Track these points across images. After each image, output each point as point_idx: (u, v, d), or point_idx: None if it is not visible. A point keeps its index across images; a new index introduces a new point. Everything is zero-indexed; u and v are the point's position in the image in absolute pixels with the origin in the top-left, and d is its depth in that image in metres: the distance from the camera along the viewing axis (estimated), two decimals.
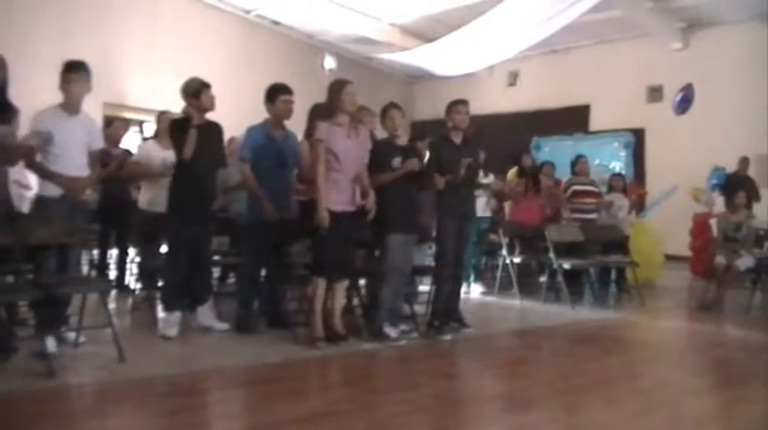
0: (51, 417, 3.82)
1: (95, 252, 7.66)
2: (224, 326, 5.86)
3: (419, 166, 5.80)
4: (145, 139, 8.03)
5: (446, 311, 6.23)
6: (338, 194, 5.43)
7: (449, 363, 5.56)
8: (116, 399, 4.16)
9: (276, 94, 5.91)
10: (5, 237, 4.62)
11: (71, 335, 5.17)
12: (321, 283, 5.45)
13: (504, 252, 8.45)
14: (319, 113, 5.68)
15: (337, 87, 5.51)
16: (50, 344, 4.63)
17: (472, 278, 8.82)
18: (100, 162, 5.92)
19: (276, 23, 13.37)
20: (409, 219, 5.83)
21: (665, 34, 13.32)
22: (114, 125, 8.17)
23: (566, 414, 4.17)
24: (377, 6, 12.70)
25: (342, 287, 5.68)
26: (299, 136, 6.14)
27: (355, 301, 6.42)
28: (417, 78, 15.77)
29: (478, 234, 8.76)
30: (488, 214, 9.06)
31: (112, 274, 7.82)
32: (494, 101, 14.71)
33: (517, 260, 8.53)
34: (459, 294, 6.43)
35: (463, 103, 6.23)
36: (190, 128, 5.49)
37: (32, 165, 5.09)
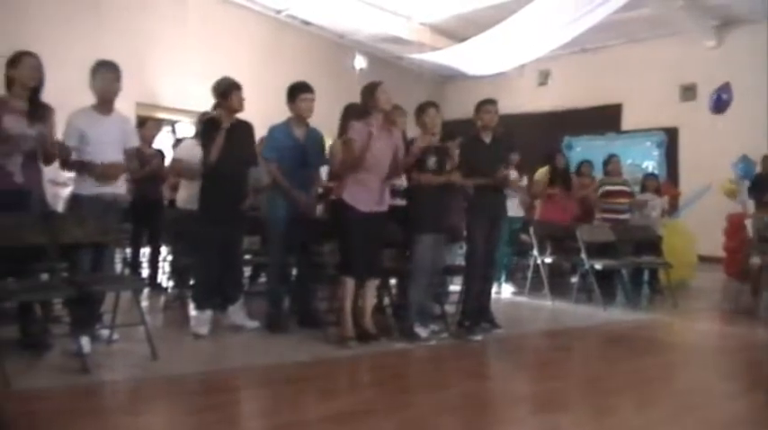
0: (85, 413, 3.87)
1: (128, 250, 7.73)
2: (254, 324, 5.90)
3: (449, 166, 5.78)
4: (179, 140, 8.09)
5: (477, 311, 6.22)
6: (366, 194, 5.44)
7: (479, 364, 5.54)
8: (148, 396, 4.21)
9: (296, 92, 5.93)
10: (40, 235, 4.68)
11: (105, 333, 5.24)
12: (349, 283, 5.47)
13: (536, 252, 8.40)
14: (354, 114, 5.71)
15: (371, 87, 5.55)
16: (85, 342, 4.69)
17: (503, 278, 8.78)
18: (138, 161, 6.01)
19: (307, 23, 13.41)
20: (439, 220, 5.82)
21: (698, 32, 13.17)
22: (147, 125, 8.25)
23: (597, 416, 4.13)
24: (407, 6, 12.69)
25: (372, 286, 5.68)
26: (327, 135, 6.16)
27: (386, 301, 6.41)
28: (448, 78, 15.73)
29: (510, 234, 8.72)
30: (520, 214, 9.01)
31: (145, 273, 7.90)
32: (524, 100, 14.63)
33: (548, 260, 8.47)
34: (489, 294, 6.41)
35: (492, 102, 6.21)
36: (218, 130, 5.53)
37: (67, 164, 5.15)
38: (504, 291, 8.63)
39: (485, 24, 11.81)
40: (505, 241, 8.55)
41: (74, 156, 5.09)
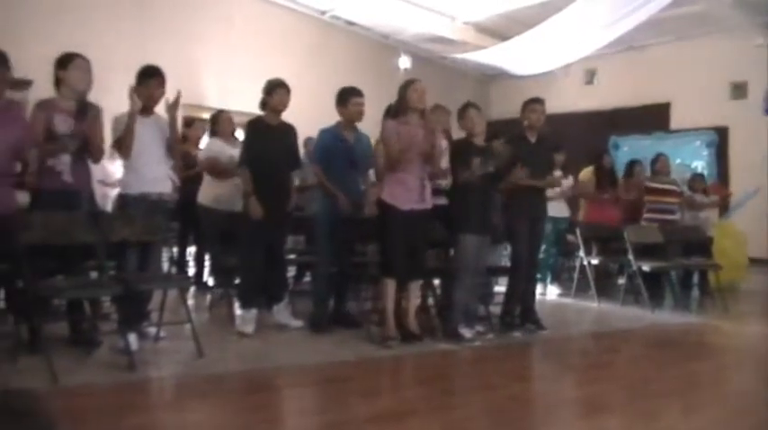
0: (132, 409, 3.91)
1: (175, 249, 7.81)
2: (299, 323, 5.92)
3: (493, 168, 5.74)
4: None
5: (522, 312, 6.20)
6: (406, 193, 5.43)
7: (525, 365, 5.50)
8: (194, 394, 4.24)
9: (348, 96, 5.94)
10: (89, 234, 4.75)
11: (152, 331, 5.30)
12: (390, 284, 5.46)
13: (582, 253, 8.31)
14: (391, 112, 5.71)
15: (405, 85, 5.54)
16: (132, 339, 4.76)
17: (549, 279, 8.70)
18: (182, 162, 6.07)
19: (351, 24, 13.43)
20: (483, 220, 5.78)
21: (748, 29, 12.88)
22: (194, 126, 8.33)
23: (644, 420, 4.06)
24: (451, 5, 12.64)
25: (416, 287, 5.66)
26: (372, 135, 6.16)
27: (430, 301, 6.39)
28: (493, 77, 15.64)
29: (555, 234, 8.64)
30: (566, 214, 8.92)
31: (191, 272, 7.98)
32: (570, 99, 14.48)
33: (594, 261, 8.37)
34: (534, 295, 6.36)
35: (539, 101, 6.17)
36: (264, 130, 5.57)
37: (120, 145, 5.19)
38: (549, 293, 8.55)
39: (529, 23, 11.72)
40: (551, 242, 8.48)
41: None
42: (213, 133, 7.20)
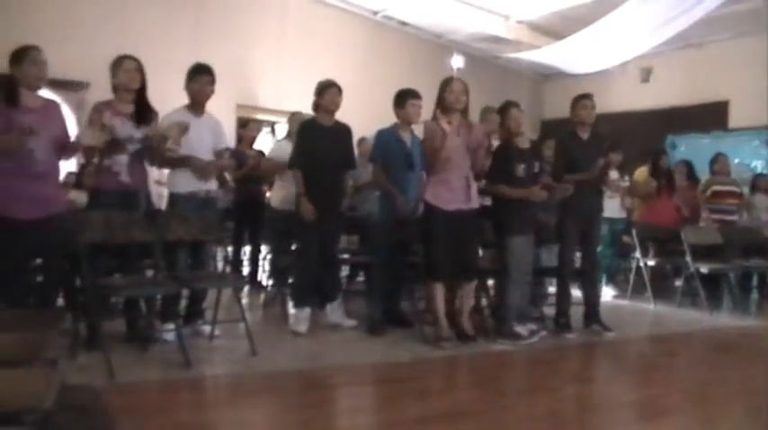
0: (187, 406, 3.97)
1: (230, 249, 7.89)
2: (352, 323, 5.92)
3: (537, 169, 5.67)
4: (279, 140, 8.22)
5: (586, 314, 6.15)
6: (450, 193, 5.39)
7: (580, 367, 5.42)
8: (248, 391, 4.27)
9: (405, 98, 5.92)
10: (147, 233, 4.82)
11: (206, 329, 5.36)
12: (437, 286, 5.43)
13: (638, 254, 8.16)
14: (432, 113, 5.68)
15: (443, 86, 5.50)
16: (171, 336, 4.88)
17: (604, 281, 8.57)
18: (235, 161, 6.11)
19: (404, 24, 13.40)
20: (529, 221, 5.71)
21: None
22: (249, 127, 8.41)
23: (702, 424, 3.97)
24: (505, 4, 12.53)
25: (470, 287, 5.62)
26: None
27: (484, 302, 6.34)
28: (547, 76, 15.46)
29: (611, 235, 8.51)
30: (622, 215, 8.77)
31: (246, 271, 8.05)
32: (626, 98, 14.23)
33: (651, 263, 8.22)
34: (598, 296, 6.29)
35: (588, 96, 6.09)
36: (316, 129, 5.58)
37: (166, 161, 5.28)
38: (605, 294, 8.41)
39: (584, 21, 11.55)
40: (607, 243, 8.36)
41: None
42: (289, 136, 7.21)
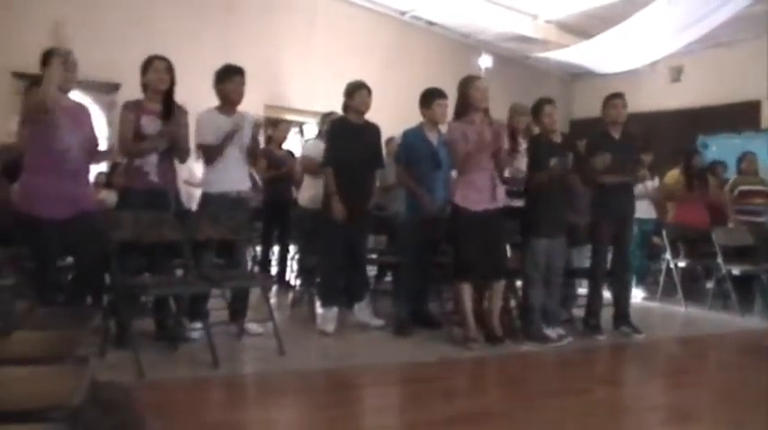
0: (215, 405, 4.00)
1: (258, 248, 7.93)
2: (380, 322, 5.92)
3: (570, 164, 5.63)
4: (308, 140, 8.25)
5: (616, 316, 6.10)
6: (476, 193, 5.37)
7: (609, 369, 5.38)
8: (276, 390, 4.29)
9: (431, 98, 5.91)
10: (176, 233, 4.85)
11: (253, 326, 5.43)
12: (465, 287, 5.41)
13: (668, 255, 8.07)
14: (454, 113, 5.66)
15: (466, 84, 5.47)
16: (197, 334, 4.95)
17: (634, 282, 8.47)
18: (266, 162, 6.14)
19: (431, 24, 13.38)
20: (558, 223, 5.66)
21: None
22: (278, 127, 8.43)
23: (732, 428, 3.92)
24: (533, 3, 12.47)
25: (498, 288, 5.59)
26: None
27: (512, 303, 6.31)
28: (576, 76, 15.36)
29: (641, 236, 8.43)
30: (652, 216, 8.68)
31: (274, 271, 8.08)
32: (656, 98, 14.09)
33: (682, 264, 8.12)
34: (628, 298, 6.23)
35: (619, 96, 6.04)
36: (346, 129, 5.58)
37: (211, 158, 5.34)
38: (634, 296, 8.32)
39: (613, 20, 11.46)
40: (637, 244, 8.27)
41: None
42: (321, 135, 7.22)
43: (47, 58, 4.44)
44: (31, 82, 4.65)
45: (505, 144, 5.58)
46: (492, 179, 5.43)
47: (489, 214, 5.37)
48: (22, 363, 2.41)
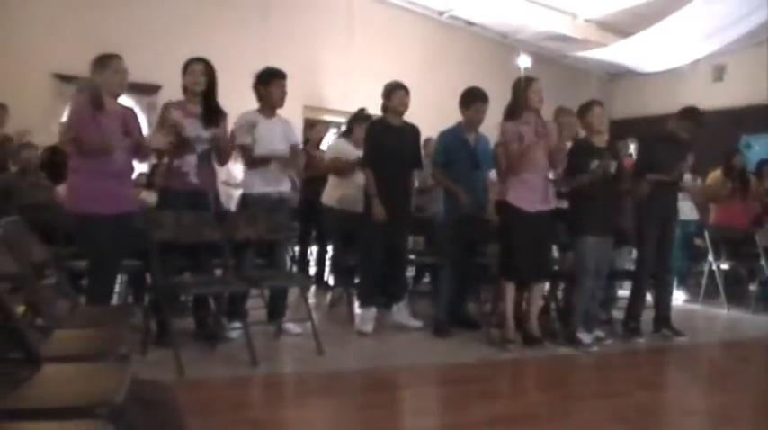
0: (254, 403, 4.04)
1: (297, 249, 7.96)
2: (418, 324, 5.91)
3: (614, 169, 5.56)
4: (333, 140, 8.26)
5: (657, 318, 6.03)
6: (530, 194, 5.34)
7: (650, 373, 5.29)
8: (314, 390, 4.31)
9: (472, 101, 5.86)
10: (216, 233, 4.89)
11: (292, 326, 5.46)
12: (510, 286, 5.38)
13: (710, 257, 7.95)
14: (506, 114, 5.62)
15: (523, 86, 5.43)
16: (235, 333, 4.97)
17: (675, 284, 8.35)
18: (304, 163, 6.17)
19: (470, 24, 13.34)
20: (605, 222, 5.60)
21: None
22: (316, 128, 8.46)
23: None
24: (572, 2, 12.38)
25: (539, 290, 5.56)
26: (491, 134, 6.08)
27: (552, 305, 6.26)
28: (616, 75, 15.19)
29: (683, 238, 8.31)
30: (694, 217, 8.55)
31: (312, 271, 8.10)
32: (698, 97, 13.81)
33: (724, 266, 7.99)
34: (669, 300, 6.16)
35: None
36: (378, 130, 5.58)
37: (251, 161, 5.39)
38: (676, 298, 8.20)
39: (654, 18, 11.32)
40: (679, 245, 8.15)
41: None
42: (348, 133, 7.22)
43: (98, 63, 4.51)
44: (82, 85, 4.72)
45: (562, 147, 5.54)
46: (545, 179, 5.40)
47: (541, 215, 5.34)
48: (66, 361, 2.45)
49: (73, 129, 4.51)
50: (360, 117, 7.04)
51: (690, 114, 6.04)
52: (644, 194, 5.76)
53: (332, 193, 6.95)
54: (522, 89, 5.40)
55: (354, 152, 6.67)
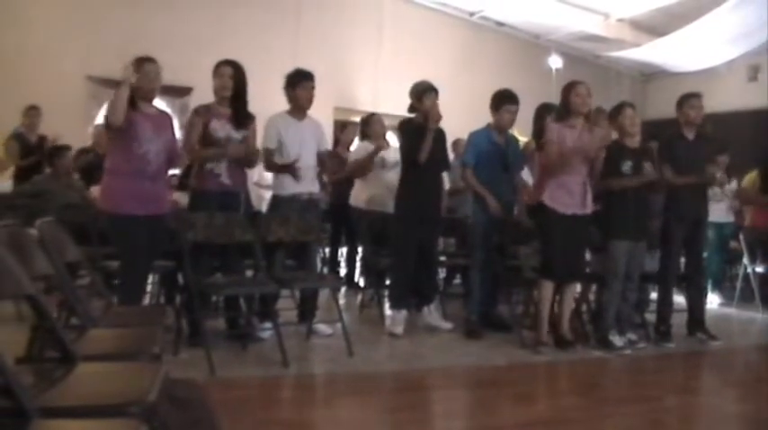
0: (284, 403, 4.06)
1: (327, 250, 7.98)
2: (449, 325, 5.90)
3: (654, 177, 5.50)
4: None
5: (690, 322, 5.95)
6: (568, 197, 5.30)
7: (684, 377, 5.23)
8: (344, 391, 4.31)
9: (502, 103, 5.84)
10: (247, 234, 4.91)
11: (322, 327, 5.45)
12: (548, 286, 5.34)
13: (746, 260, 7.84)
14: (547, 114, 5.58)
15: (567, 88, 5.42)
16: (266, 334, 5.00)
17: (710, 287, 8.24)
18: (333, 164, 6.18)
19: (501, 24, 13.31)
20: (638, 225, 5.53)
21: None
22: (346, 130, 8.48)
23: None
24: (604, 2, 12.29)
25: (571, 291, 5.52)
26: (522, 135, 6.05)
27: (584, 307, 6.21)
28: (649, 75, 15.06)
29: (719, 240, 8.20)
30: (730, 219, 8.43)
31: (343, 272, 8.11)
32: (733, 97, 13.70)
33: (760, 269, 7.87)
34: (703, 304, 6.09)
35: (696, 96, 5.88)
36: (426, 132, 5.55)
37: (271, 166, 5.44)
38: (711, 302, 8.09)
39: (688, 17, 11.21)
40: (714, 248, 8.05)
41: (275, 159, 5.35)
42: (364, 136, 7.27)
43: (138, 65, 4.57)
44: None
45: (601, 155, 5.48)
46: (584, 185, 5.35)
47: (577, 219, 5.30)
48: (100, 360, 2.47)
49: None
50: (368, 120, 7.13)
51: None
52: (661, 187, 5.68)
53: (359, 195, 6.96)
54: (566, 92, 5.39)
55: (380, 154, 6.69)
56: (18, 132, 7.81)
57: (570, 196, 5.29)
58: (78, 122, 8.49)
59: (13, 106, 7.85)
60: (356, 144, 7.66)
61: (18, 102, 7.90)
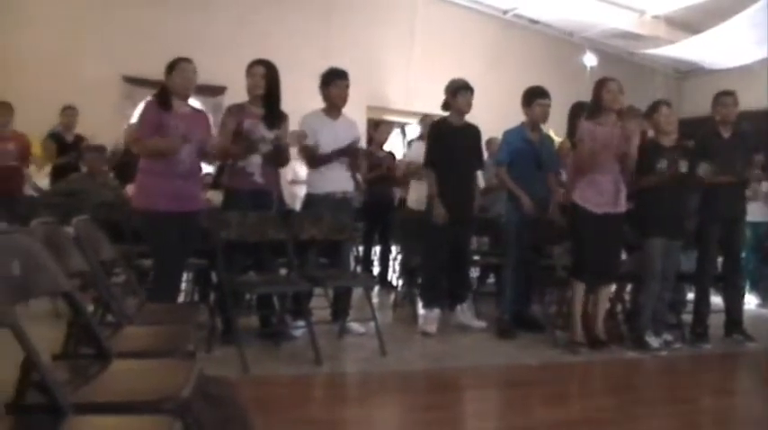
0: (317, 401, 4.07)
1: (360, 248, 7.99)
2: (482, 324, 5.88)
3: (685, 169, 5.43)
4: (410, 142, 8.30)
5: (728, 322, 5.88)
6: (599, 196, 5.25)
7: (721, 378, 5.15)
8: (377, 390, 4.31)
9: (533, 97, 5.82)
10: (280, 232, 4.93)
11: (355, 326, 5.48)
12: (579, 287, 5.30)
13: None
14: (582, 113, 5.53)
15: (599, 85, 5.36)
16: (299, 332, 5.02)
17: (747, 287, 8.10)
18: (367, 163, 6.16)
19: (534, 22, 13.21)
20: (674, 224, 5.47)
21: None
22: (379, 128, 8.49)
23: None
24: None
25: (605, 292, 5.47)
26: (557, 134, 6.01)
27: (618, 307, 6.15)
28: (685, 73, 14.87)
29: (755, 240, 8.07)
30: (767, 218, 8.29)
31: (376, 271, 8.12)
32: None
33: None
34: (741, 304, 6.00)
35: (729, 94, 5.81)
36: (447, 131, 5.54)
37: (314, 161, 5.46)
38: (747, 302, 7.96)
39: (724, 13, 11.04)
40: (750, 248, 7.93)
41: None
42: (420, 136, 7.27)
43: (169, 68, 4.63)
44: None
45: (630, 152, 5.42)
46: (616, 183, 5.29)
47: (609, 217, 5.25)
48: (134, 357, 2.50)
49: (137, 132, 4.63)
50: (427, 122, 7.10)
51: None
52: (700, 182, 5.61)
53: (412, 195, 7.02)
54: (597, 89, 5.34)
55: None
56: (55, 132, 7.90)
57: (601, 195, 5.24)
58: (113, 122, 8.57)
59: (51, 106, 7.95)
60: (414, 144, 7.63)
61: (55, 102, 8.00)
